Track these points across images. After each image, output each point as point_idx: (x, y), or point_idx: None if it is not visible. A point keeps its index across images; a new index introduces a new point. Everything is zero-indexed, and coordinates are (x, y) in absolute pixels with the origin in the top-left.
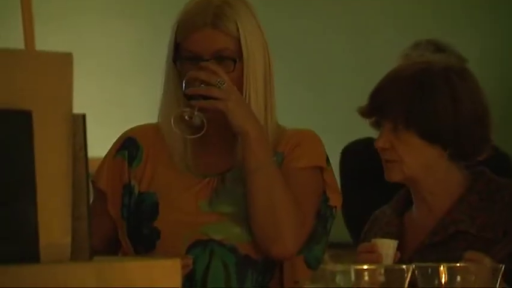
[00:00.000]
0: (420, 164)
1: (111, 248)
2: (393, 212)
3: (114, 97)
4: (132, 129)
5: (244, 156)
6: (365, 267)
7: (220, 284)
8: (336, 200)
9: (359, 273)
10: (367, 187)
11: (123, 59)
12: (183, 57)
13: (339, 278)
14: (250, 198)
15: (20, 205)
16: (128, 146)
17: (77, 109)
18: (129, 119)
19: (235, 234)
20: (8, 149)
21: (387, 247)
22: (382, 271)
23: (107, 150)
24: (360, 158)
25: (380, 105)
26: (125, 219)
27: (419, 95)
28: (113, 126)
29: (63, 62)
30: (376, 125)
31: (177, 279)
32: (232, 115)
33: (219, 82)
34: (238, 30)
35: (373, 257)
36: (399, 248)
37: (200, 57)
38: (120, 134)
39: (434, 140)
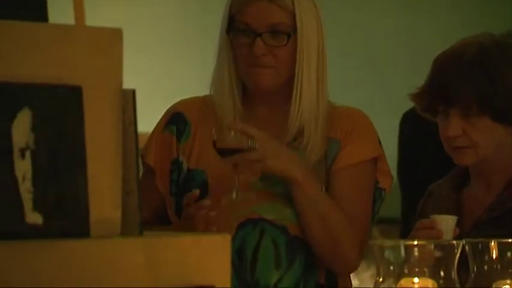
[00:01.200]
0: (493, 145)
1: (162, 222)
2: (450, 187)
3: (163, 71)
4: (179, 104)
5: (295, 195)
6: (415, 242)
7: (270, 263)
8: (386, 182)
9: (409, 249)
10: (425, 155)
11: (172, 33)
12: (236, 29)
13: (387, 253)
14: (305, 228)
15: (71, 180)
16: (176, 120)
17: (126, 84)
18: (178, 93)
19: (286, 214)
20: (60, 124)
21: (446, 223)
22: (433, 247)
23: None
24: (419, 124)
25: (446, 95)
26: (174, 195)
27: (486, 78)
28: (162, 100)
29: (113, 37)
30: (431, 111)
31: (226, 255)
32: (274, 169)
33: (251, 143)
34: (293, 4)
35: (433, 233)
36: (457, 223)
37: (254, 29)
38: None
39: (508, 120)
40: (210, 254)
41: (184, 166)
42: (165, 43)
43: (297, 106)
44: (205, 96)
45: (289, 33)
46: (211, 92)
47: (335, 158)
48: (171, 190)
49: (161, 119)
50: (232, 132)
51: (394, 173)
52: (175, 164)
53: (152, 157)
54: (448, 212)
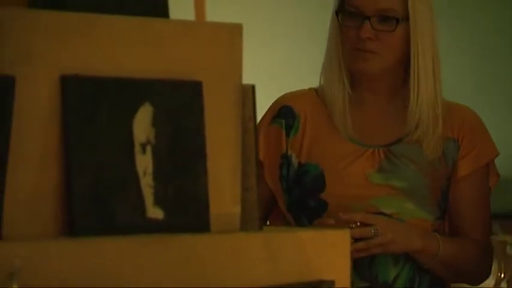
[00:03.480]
0: None
1: (265, 216)
2: None
3: (283, 67)
4: (286, 97)
5: (418, 259)
6: None
7: (388, 258)
8: (493, 181)
9: None
10: None
11: (291, 27)
12: (345, 11)
13: (509, 249)
14: (437, 272)
15: (191, 175)
16: (285, 114)
17: (245, 79)
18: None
19: (406, 209)
20: (180, 119)
21: None
22: None
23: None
24: None
25: None
26: (285, 190)
27: None
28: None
29: (233, 32)
30: None
31: (346, 250)
32: (396, 251)
33: (373, 231)
34: None
35: None
36: None
37: (363, 12)
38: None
39: None
40: (330, 249)
41: (294, 160)
42: (284, 37)
43: (416, 97)
44: (311, 89)
45: (398, 19)
46: (321, 78)
47: (455, 161)
48: (282, 185)
49: (268, 112)
50: (353, 225)
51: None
52: (285, 158)
53: (260, 150)
54: None
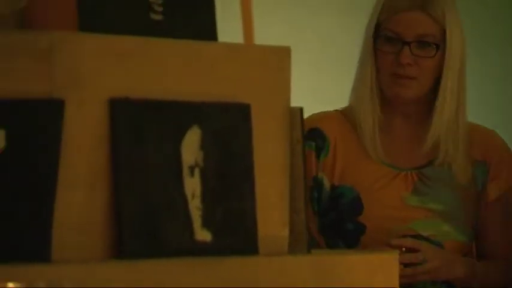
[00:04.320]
0: None
1: None
2: None
3: (331, 90)
4: (315, 118)
5: (458, 283)
6: None
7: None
8: None
9: None
10: None
11: (338, 52)
12: (383, 36)
13: None
14: None
15: (239, 197)
16: (314, 136)
17: (293, 102)
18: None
19: (444, 231)
20: (228, 142)
21: None
22: None
23: None
24: None
25: None
26: (317, 213)
27: None
28: None
29: (281, 55)
30: None
31: (394, 275)
32: (443, 276)
33: (422, 258)
34: (444, 16)
35: None
36: None
37: (403, 38)
38: None
39: None
40: (378, 272)
41: (326, 183)
42: (331, 62)
43: (438, 118)
44: (337, 111)
45: (438, 44)
46: (350, 100)
47: (484, 184)
48: (313, 207)
49: None
50: (404, 249)
51: None
52: (315, 181)
53: None
54: None
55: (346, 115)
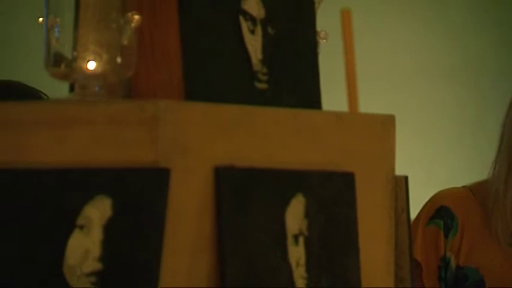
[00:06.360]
0: None
1: None
2: None
3: (435, 158)
4: (443, 196)
5: None
6: None
7: None
8: None
9: None
10: None
11: (445, 120)
12: None
13: None
14: None
15: (344, 267)
16: (443, 215)
17: (398, 170)
18: (450, 182)
19: None
20: (332, 210)
21: None
22: None
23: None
24: None
25: None
26: None
27: None
28: (434, 188)
29: (386, 123)
30: None
31: None
32: None
33: None
34: None
35: None
36: None
37: None
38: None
39: None
40: None
41: (452, 263)
42: (437, 130)
43: None
44: (465, 187)
45: None
46: (489, 175)
47: None
48: (441, 287)
49: (425, 211)
50: None
51: None
52: (443, 260)
53: (418, 250)
54: None
55: (475, 193)
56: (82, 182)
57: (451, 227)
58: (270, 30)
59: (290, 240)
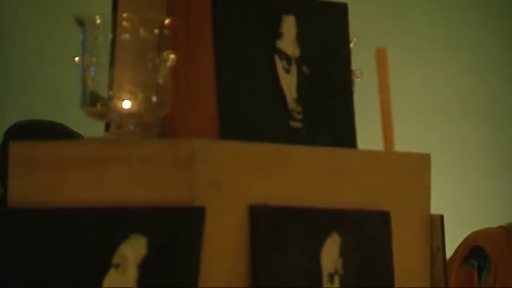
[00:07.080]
0: None
1: None
2: None
3: (470, 199)
4: (477, 236)
5: None
6: None
7: None
8: None
9: None
10: None
11: (480, 161)
12: None
13: None
14: None
15: None
16: (477, 255)
17: (433, 209)
18: (484, 222)
19: None
20: (369, 250)
21: None
22: None
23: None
24: None
25: None
26: None
27: None
28: (468, 228)
29: (421, 162)
30: None
31: None
32: None
33: None
34: None
35: None
36: None
37: None
38: (467, 238)
39: None
40: None
41: None
42: (472, 171)
43: None
44: (500, 227)
45: None
46: None
47: None
48: None
49: (459, 251)
50: None
51: None
52: None
53: None
54: None
55: (510, 233)
56: (118, 221)
57: (484, 268)
58: (305, 69)
59: (325, 279)
